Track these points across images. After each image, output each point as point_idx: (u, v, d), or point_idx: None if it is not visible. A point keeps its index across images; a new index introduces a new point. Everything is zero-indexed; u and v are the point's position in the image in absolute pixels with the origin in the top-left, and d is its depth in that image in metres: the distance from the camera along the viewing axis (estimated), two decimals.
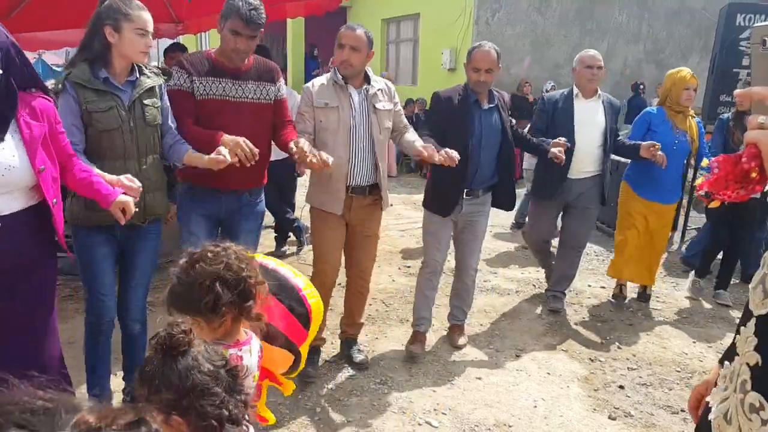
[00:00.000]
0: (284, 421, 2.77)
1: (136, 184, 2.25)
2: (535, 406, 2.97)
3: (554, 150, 3.50)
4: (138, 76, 2.46)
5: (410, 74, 13.56)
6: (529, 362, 3.45)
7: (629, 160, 4.25)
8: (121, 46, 2.35)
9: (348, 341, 3.42)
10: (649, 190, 4.10)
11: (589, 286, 4.70)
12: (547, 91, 6.91)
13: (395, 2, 12.71)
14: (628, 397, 3.11)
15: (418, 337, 3.50)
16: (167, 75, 2.66)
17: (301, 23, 14.47)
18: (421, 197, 3.67)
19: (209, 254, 1.49)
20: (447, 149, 2.91)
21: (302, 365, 1.99)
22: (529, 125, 4.25)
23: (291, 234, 5.43)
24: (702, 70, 11.26)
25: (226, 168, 2.48)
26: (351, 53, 2.90)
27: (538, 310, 4.23)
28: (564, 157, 3.49)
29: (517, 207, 6.37)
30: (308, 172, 3.58)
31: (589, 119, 3.86)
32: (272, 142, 3.00)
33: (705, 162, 3.25)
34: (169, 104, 2.63)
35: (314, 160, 2.60)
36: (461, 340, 3.64)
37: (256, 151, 2.52)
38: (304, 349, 1.96)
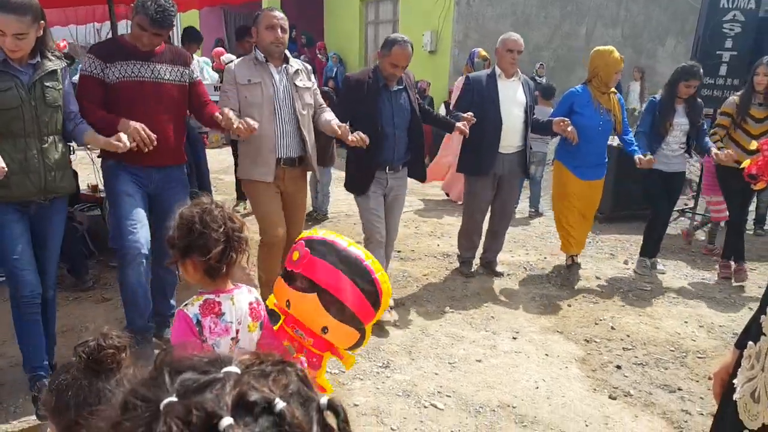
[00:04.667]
0: None
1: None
2: (537, 387, 2.99)
3: (459, 124, 3.78)
4: (40, 59, 2.54)
5: None
6: (527, 344, 3.47)
7: None
8: None
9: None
10: (578, 168, 4.29)
11: (581, 268, 4.74)
12: (536, 72, 6.91)
13: None
14: (626, 377, 3.15)
15: None
16: (70, 59, 2.77)
17: (277, 3, 14.18)
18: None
19: (213, 206, 1.55)
20: (358, 132, 3.22)
21: (366, 342, 2.04)
22: (454, 102, 4.48)
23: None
24: (678, 54, 11.44)
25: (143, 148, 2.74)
26: (283, 34, 3.17)
27: (531, 292, 4.26)
28: (468, 131, 3.79)
29: (528, 195, 6.41)
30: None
31: (512, 97, 4.11)
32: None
33: (754, 144, 3.25)
34: (71, 88, 2.74)
35: (241, 126, 2.87)
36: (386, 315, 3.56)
37: (153, 137, 2.72)
38: (369, 327, 2.01)
